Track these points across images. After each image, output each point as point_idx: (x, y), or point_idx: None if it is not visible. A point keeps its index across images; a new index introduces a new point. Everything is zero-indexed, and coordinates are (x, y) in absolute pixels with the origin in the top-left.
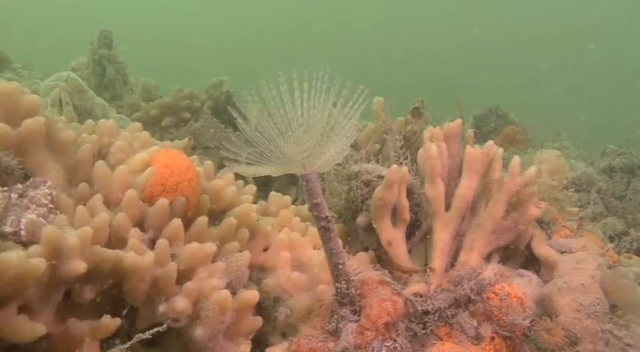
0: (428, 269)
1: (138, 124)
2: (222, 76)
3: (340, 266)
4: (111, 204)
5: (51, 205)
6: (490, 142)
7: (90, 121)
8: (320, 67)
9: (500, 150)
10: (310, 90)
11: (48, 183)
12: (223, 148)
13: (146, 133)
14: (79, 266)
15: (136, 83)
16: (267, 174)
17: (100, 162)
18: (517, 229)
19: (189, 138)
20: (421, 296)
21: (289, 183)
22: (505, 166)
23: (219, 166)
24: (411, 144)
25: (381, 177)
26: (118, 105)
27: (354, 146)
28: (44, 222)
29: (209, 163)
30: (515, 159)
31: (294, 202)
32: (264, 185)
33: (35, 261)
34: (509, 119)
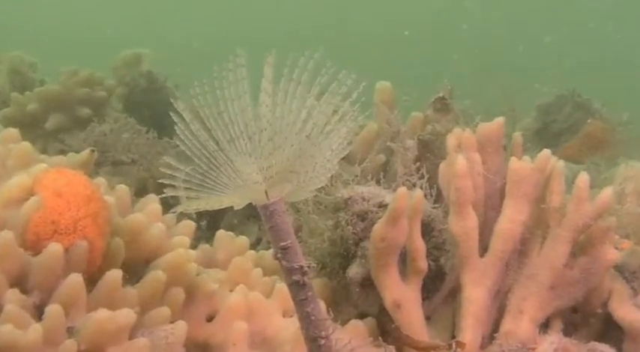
0: (454, 345)
1: (13, 131)
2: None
3: (322, 342)
4: None
5: None
6: (546, 152)
7: None
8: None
9: (561, 162)
10: (281, 80)
11: None
12: (145, 163)
13: (26, 144)
14: None
15: None
16: (213, 208)
17: None
18: (588, 282)
19: (92, 150)
20: None
21: (247, 216)
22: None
23: (139, 192)
24: (430, 155)
25: (383, 205)
26: None
27: (346, 158)
28: None
29: (123, 188)
30: (583, 178)
31: (254, 246)
32: (210, 220)
33: None
34: (593, 110)
